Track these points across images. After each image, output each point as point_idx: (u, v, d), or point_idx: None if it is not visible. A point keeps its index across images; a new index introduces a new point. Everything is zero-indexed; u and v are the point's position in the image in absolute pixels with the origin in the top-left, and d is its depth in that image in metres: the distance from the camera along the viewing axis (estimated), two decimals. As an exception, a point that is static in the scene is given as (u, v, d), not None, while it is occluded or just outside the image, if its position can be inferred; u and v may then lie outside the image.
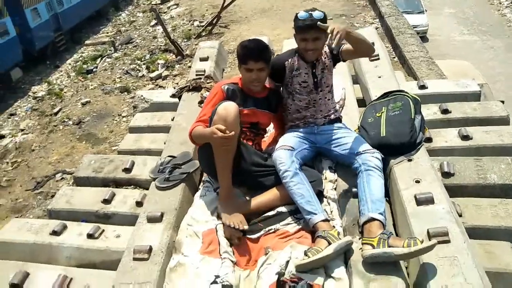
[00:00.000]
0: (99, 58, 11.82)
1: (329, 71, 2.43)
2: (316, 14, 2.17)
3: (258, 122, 2.43)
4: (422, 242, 1.67)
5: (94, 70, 10.91)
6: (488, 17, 15.37)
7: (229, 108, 2.02)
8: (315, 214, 2.01)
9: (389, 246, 1.72)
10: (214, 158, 2.12)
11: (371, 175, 2.05)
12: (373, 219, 1.88)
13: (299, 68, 2.38)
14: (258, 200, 2.22)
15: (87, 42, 14.63)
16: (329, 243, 1.84)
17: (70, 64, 13.36)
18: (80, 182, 2.77)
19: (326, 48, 2.40)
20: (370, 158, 2.11)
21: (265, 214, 2.18)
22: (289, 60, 2.40)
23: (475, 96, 3.07)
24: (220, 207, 2.17)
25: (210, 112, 2.18)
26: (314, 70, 2.37)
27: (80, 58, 13.01)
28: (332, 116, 2.48)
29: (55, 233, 2.24)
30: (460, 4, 16.37)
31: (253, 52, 2.26)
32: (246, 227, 2.02)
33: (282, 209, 2.18)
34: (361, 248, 1.82)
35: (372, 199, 1.95)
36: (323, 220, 2.00)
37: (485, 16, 15.45)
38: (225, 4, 11.03)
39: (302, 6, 12.73)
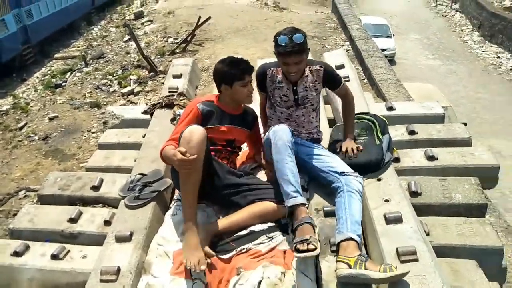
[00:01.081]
0: (69, 72, 11.52)
1: (315, 91, 2.43)
2: (296, 37, 2.14)
3: (234, 139, 2.43)
4: (396, 268, 1.70)
5: (63, 84, 10.60)
6: (451, 43, 16.27)
7: (194, 131, 1.99)
8: (300, 195, 2.02)
9: (365, 269, 1.73)
10: None
11: (353, 197, 2.07)
12: (351, 239, 1.88)
13: (281, 81, 2.37)
14: (230, 219, 2.19)
15: (56, 55, 14.26)
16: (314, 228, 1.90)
17: (37, 77, 12.94)
18: (45, 200, 2.65)
19: (321, 73, 2.37)
20: (354, 181, 2.14)
21: (237, 234, 2.16)
22: (272, 69, 2.39)
23: (439, 118, 3.21)
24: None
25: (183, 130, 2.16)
26: (295, 88, 2.38)
27: (49, 72, 12.64)
28: (315, 135, 2.52)
29: (16, 254, 2.13)
30: (425, 30, 17.29)
31: (248, 67, 2.33)
32: (203, 267, 1.86)
33: (255, 228, 2.17)
34: (336, 268, 1.80)
35: (351, 220, 1.96)
36: (304, 205, 2.02)
37: (448, 42, 16.34)
38: (199, 22, 11.12)
39: (276, 28, 13.03)
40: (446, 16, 19.98)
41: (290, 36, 2.15)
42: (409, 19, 18.50)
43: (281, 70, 2.36)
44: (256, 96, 2.59)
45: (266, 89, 2.44)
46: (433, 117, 3.20)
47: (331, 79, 2.44)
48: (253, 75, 2.44)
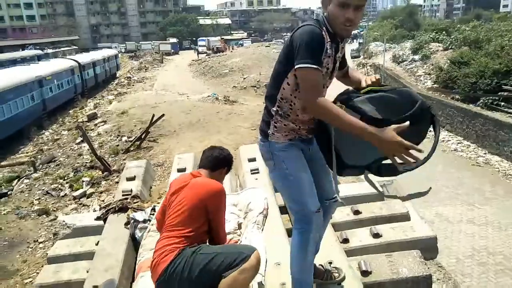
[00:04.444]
0: (16, 180, 11.08)
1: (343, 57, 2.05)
2: None
3: None
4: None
5: (8, 193, 10.08)
6: (387, 121, 17.84)
7: None
8: None
9: None
10: None
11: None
12: None
13: (328, 48, 1.81)
14: None
15: (2, 163, 13.77)
16: None
17: (-21, 188, 12.25)
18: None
19: None
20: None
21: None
22: (322, 30, 1.78)
23: (379, 197, 3.49)
24: None
25: None
26: (337, 52, 1.89)
27: (-7, 181, 12.08)
28: None
29: None
30: (363, 111, 18.94)
31: None
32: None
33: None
34: None
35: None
36: None
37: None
38: (153, 120, 11.49)
39: (227, 120, 13.75)
40: (379, 98, 22.21)
41: None
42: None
43: (326, 33, 1.79)
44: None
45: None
46: (373, 196, 3.47)
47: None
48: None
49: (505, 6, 78.27)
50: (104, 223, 3.21)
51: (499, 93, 14.67)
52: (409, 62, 23.76)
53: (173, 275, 2.00)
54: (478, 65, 16.07)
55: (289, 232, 3.04)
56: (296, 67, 1.74)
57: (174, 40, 62.10)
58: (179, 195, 2.27)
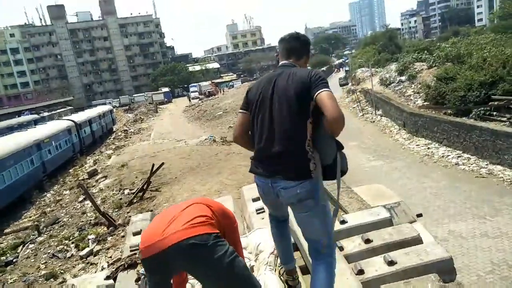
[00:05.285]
0: (21, 246, 10.92)
1: None
2: None
3: None
4: None
5: (14, 260, 9.91)
6: (385, 143, 17.97)
7: None
8: None
9: None
10: None
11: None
12: None
13: None
14: None
15: (6, 230, 13.61)
16: None
17: (-16, 259, 12.01)
18: None
19: None
20: None
21: None
22: None
23: (387, 222, 3.46)
24: None
25: None
26: None
27: (-3, 250, 11.88)
28: None
29: None
30: (360, 136, 19.14)
31: None
32: None
33: None
34: None
35: None
36: None
37: (382, 143, 18.05)
38: (153, 170, 11.52)
39: (227, 160, 13.82)
40: (374, 121, 22.50)
41: None
42: (344, 128, 20.48)
43: None
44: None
45: None
46: (382, 222, 3.44)
47: None
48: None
49: (480, 20, 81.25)
50: (115, 281, 3.16)
51: (490, 103, 14.90)
52: (397, 83, 24.26)
53: (209, 247, 1.98)
54: (464, 79, 16.44)
55: (302, 270, 3.00)
56: (323, 89, 2.01)
57: (166, 89, 63.46)
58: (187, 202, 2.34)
